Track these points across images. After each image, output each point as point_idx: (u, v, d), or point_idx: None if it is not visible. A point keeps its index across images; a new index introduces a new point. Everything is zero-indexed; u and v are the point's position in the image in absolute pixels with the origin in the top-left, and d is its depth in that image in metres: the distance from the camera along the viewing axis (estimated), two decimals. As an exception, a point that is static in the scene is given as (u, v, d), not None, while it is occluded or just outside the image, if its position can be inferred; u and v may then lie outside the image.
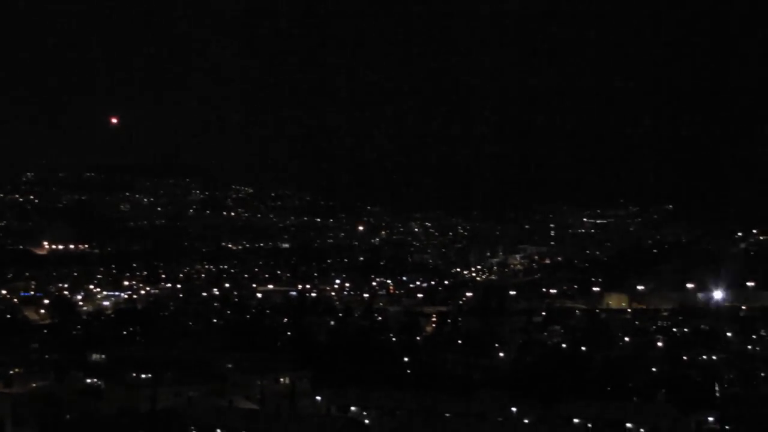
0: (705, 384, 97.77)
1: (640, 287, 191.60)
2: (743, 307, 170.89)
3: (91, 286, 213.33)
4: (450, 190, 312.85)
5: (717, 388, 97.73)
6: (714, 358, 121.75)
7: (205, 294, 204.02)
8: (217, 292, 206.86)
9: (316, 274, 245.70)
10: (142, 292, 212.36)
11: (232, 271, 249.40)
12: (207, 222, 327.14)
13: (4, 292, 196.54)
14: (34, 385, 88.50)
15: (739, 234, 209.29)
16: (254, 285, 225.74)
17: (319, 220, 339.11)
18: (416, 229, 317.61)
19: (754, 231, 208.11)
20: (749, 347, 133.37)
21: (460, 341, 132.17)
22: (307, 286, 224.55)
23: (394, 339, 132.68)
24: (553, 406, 79.46)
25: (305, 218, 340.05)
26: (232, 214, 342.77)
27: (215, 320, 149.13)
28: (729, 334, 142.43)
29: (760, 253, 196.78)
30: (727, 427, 79.17)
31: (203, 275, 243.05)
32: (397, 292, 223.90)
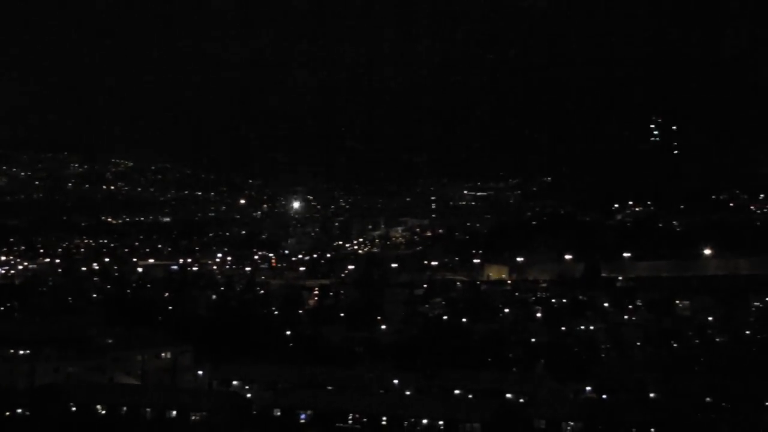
0: (582, 354, 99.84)
1: (519, 259, 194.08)
2: (619, 278, 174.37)
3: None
4: (331, 164, 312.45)
5: (594, 358, 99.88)
6: (591, 328, 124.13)
7: (84, 269, 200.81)
8: (97, 267, 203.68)
9: (197, 248, 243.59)
10: (20, 267, 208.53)
11: (112, 245, 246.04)
12: (86, 196, 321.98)
13: None
14: None
15: (616, 206, 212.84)
16: (135, 259, 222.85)
17: (200, 193, 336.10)
18: (297, 203, 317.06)
19: (630, 203, 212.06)
20: (625, 317, 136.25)
21: (342, 314, 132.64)
22: (189, 261, 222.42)
23: (276, 312, 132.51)
24: (435, 377, 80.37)
25: (186, 192, 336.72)
26: (112, 187, 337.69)
27: (95, 295, 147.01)
28: (606, 304, 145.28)
29: (635, 225, 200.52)
30: (603, 395, 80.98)
31: (83, 250, 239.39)
32: (279, 265, 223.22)
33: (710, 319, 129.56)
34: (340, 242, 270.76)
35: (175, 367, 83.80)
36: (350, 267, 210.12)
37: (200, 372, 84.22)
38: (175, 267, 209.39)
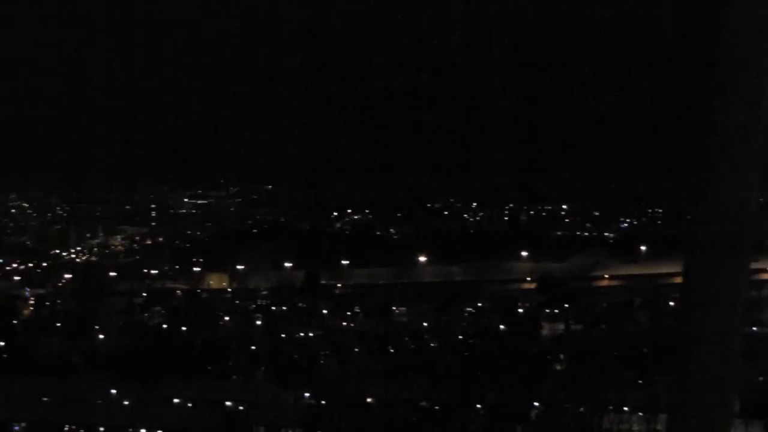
0: (302, 360, 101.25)
1: (240, 267, 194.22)
2: (338, 285, 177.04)
3: None
4: (48, 171, 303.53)
5: (313, 364, 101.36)
6: (311, 334, 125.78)
7: None
8: None
9: None
10: None
11: None
12: None
13: None
14: None
15: (335, 214, 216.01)
16: None
17: None
18: (13, 210, 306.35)
19: (349, 211, 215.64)
20: (344, 323, 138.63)
21: (59, 324, 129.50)
22: None
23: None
24: (155, 386, 79.83)
25: None
26: None
27: None
28: (325, 311, 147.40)
29: (354, 233, 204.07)
30: (322, 401, 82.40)
31: None
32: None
33: (425, 324, 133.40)
34: (57, 251, 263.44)
35: None
36: (68, 276, 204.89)
37: None
38: None
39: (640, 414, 76.95)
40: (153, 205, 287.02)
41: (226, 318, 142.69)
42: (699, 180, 4.00)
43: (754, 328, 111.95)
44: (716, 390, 3.86)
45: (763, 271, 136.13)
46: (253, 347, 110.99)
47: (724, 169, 3.94)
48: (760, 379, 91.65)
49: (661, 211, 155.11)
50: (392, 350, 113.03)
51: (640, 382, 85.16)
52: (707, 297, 3.85)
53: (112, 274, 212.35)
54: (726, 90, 3.93)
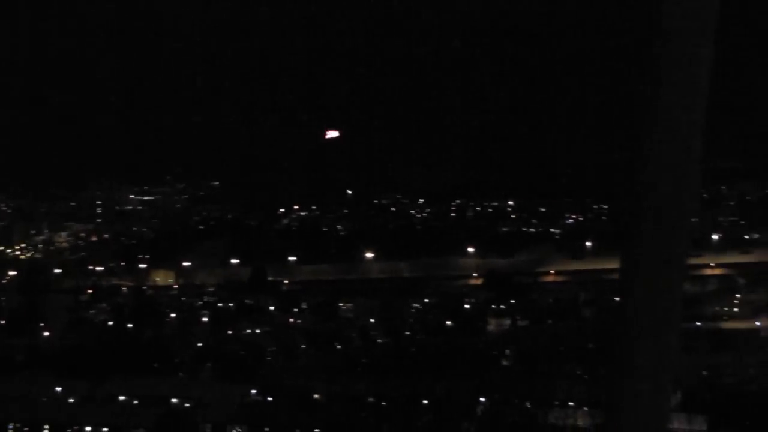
0: (248, 357, 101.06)
1: (186, 263, 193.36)
2: (285, 281, 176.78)
3: None
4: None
5: (260, 361, 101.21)
6: (257, 331, 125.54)
7: None
8: None
9: None
10: None
11: None
12: None
13: None
14: None
15: (282, 210, 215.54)
16: None
17: None
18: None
19: (296, 207, 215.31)
20: (291, 320, 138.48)
21: (3, 321, 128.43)
22: None
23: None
24: (100, 384, 79.35)
25: None
26: None
27: None
28: (272, 307, 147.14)
29: (301, 229, 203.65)
30: (269, 398, 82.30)
31: None
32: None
33: (372, 321, 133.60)
34: (1, 248, 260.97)
35: None
36: (12, 273, 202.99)
37: None
38: None
39: (585, 409, 77.53)
40: (99, 202, 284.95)
41: (172, 315, 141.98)
42: (634, 175, 4.03)
43: (698, 323, 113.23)
44: (652, 384, 3.89)
45: (707, 266, 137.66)
46: (199, 344, 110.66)
47: (658, 164, 3.95)
48: (704, 374, 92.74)
49: (606, 207, 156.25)
50: (339, 346, 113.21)
51: (585, 377, 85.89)
52: (643, 292, 3.88)
53: (57, 271, 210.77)
54: (659, 85, 3.94)
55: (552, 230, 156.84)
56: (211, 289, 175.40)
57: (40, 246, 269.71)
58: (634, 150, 3.91)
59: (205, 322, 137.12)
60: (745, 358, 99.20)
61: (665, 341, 3.84)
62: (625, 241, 3.93)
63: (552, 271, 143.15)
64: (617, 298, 4.01)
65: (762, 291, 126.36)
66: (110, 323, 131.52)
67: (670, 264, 3.82)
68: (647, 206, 3.84)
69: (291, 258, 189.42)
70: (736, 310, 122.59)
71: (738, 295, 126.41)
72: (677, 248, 3.84)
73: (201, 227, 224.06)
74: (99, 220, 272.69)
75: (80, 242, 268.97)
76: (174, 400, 77.47)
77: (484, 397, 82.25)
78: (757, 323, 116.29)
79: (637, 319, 3.79)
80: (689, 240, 3.96)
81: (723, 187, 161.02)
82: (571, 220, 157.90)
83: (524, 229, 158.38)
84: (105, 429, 67.83)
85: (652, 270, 3.79)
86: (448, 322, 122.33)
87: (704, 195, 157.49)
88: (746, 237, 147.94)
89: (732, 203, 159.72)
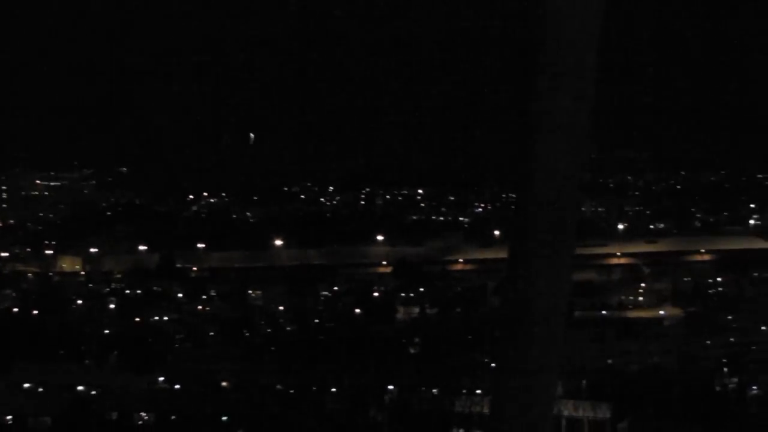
0: (156, 344, 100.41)
1: (93, 250, 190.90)
2: (194, 268, 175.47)
3: None
4: None
5: (168, 348, 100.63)
6: (165, 318, 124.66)
7: None
8: None
9: None
10: None
11: None
12: None
13: None
14: None
15: (191, 197, 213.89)
16: None
17: None
18: None
19: (205, 194, 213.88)
20: (199, 307, 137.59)
21: None
22: None
23: None
24: (5, 371, 78.32)
25: None
26: None
27: None
28: (180, 295, 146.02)
29: (210, 216, 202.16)
30: (176, 386, 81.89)
31: None
32: None
33: (281, 308, 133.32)
34: None
35: None
36: None
37: None
38: None
39: (492, 396, 78.12)
40: (4, 188, 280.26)
41: (79, 302, 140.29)
42: (520, 165, 4.13)
43: (604, 312, 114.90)
44: (538, 371, 4.01)
45: (613, 256, 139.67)
46: (106, 331, 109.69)
47: (542, 154, 4.06)
48: (609, 362, 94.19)
49: (514, 196, 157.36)
50: (247, 334, 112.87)
51: (492, 365, 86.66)
52: (530, 281, 3.99)
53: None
54: (544, 76, 4.04)
55: (461, 219, 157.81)
56: (119, 276, 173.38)
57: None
58: (520, 143, 4.02)
59: (112, 309, 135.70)
60: (649, 346, 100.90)
61: (551, 329, 3.94)
62: (512, 231, 4.05)
63: (461, 260, 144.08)
64: (505, 289, 4.11)
65: (666, 280, 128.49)
66: (15, 310, 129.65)
67: (555, 254, 3.92)
68: (532, 197, 3.96)
69: (200, 245, 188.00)
70: (641, 299, 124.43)
71: (643, 285, 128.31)
72: (562, 239, 3.95)
73: (109, 213, 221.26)
74: (4, 206, 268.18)
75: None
76: (80, 388, 76.71)
77: (393, 385, 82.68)
78: (661, 312, 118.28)
79: (524, 308, 3.90)
80: (575, 231, 4.07)
81: (629, 177, 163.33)
82: (480, 209, 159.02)
83: (434, 217, 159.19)
84: (9, 417, 66.99)
85: (538, 259, 3.89)
86: (357, 310, 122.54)
87: (610, 185, 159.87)
88: (651, 227, 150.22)
89: (637, 193, 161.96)
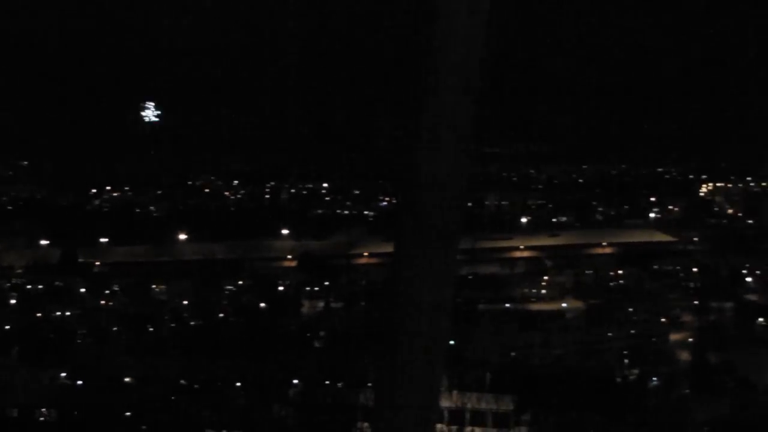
0: (58, 340, 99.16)
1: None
2: (97, 263, 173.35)
3: None
4: None
5: (70, 344, 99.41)
6: (68, 314, 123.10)
7: None
8: None
9: None
10: None
11: None
12: None
13: None
14: None
15: (94, 191, 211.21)
16: None
17: None
18: None
19: (108, 188, 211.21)
20: (102, 302, 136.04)
21: None
22: None
23: None
24: None
25: None
26: None
27: None
28: (83, 289, 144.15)
29: (113, 210, 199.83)
30: (78, 381, 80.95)
31: None
32: None
33: (185, 303, 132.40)
34: None
35: None
36: None
37: None
38: None
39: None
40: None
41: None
42: (403, 160, 4.13)
43: (507, 305, 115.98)
44: (423, 363, 4.03)
45: (516, 249, 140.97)
46: (7, 327, 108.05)
47: (427, 148, 4.07)
48: (512, 354, 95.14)
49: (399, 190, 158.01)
50: (151, 329, 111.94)
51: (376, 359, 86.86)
52: (413, 273, 4.01)
53: None
54: (432, 66, 4.06)
55: (366, 212, 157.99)
56: (20, 271, 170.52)
57: None
58: (407, 133, 4.04)
59: (13, 304, 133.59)
60: (551, 338, 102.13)
61: (436, 322, 3.96)
62: (396, 224, 4.06)
63: (366, 253, 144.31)
64: (388, 285, 4.11)
65: (568, 273, 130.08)
66: None
67: (440, 247, 3.94)
68: (416, 189, 3.98)
69: (103, 239, 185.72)
70: (543, 291, 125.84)
71: (546, 277, 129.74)
72: (447, 232, 3.96)
73: (9, 208, 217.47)
74: None
75: None
76: (-21, 385, 75.50)
77: (297, 379, 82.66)
78: (564, 305, 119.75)
79: (407, 300, 3.92)
80: (460, 225, 4.10)
81: (531, 171, 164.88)
82: (385, 203, 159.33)
83: (338, 211, 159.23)
84: None
85: (421, 252, 3.91)
86: (262, 304, 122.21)
87: (513, 178, 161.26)
88: (554, 220, 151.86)
89: (540, 186, 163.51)
